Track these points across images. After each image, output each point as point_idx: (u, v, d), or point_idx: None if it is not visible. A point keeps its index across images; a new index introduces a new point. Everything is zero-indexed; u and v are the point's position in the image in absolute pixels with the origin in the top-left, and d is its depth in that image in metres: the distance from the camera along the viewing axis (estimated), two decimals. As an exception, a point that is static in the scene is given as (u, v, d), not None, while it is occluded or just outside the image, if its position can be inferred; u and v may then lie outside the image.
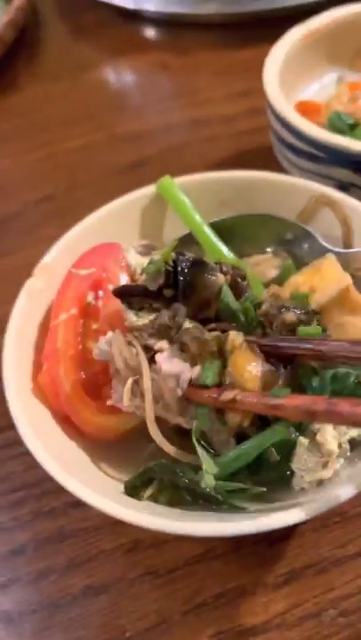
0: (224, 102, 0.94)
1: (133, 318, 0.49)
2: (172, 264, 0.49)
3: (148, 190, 0.63)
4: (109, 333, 0.47)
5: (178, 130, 0.92)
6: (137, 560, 0.54)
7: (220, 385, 0.45)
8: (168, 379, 0.43)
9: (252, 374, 0.44)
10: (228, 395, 0.44)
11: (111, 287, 0.54)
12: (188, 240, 0.59)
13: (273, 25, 0.99)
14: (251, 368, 0.45)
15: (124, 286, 0.49)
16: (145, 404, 0.43)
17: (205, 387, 0.45)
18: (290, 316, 0.47)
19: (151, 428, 0.44)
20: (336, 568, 0.52)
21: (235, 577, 0.52)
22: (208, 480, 0.42)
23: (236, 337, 0.46)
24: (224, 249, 0.58)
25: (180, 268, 0.48)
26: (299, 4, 1.00)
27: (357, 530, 0.54)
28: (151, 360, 0.46)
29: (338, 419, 0.38)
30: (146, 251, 0.61)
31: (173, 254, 0.49)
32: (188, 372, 0.43)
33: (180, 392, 0.43)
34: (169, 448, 0.45)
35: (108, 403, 0.47)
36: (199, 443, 0.43)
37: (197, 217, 0.59)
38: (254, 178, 0.61)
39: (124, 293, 0.49)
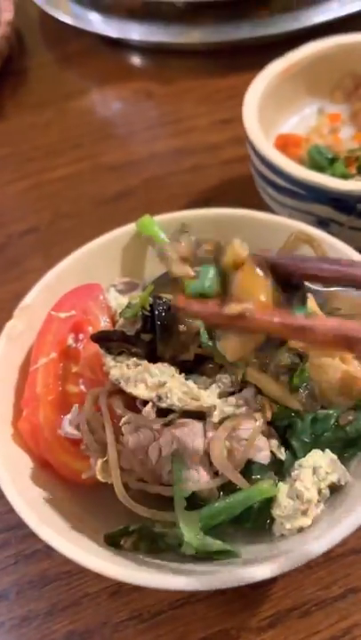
0: (208, 130, 0.95)
1: (111, 363, 0.49)
2: (149, 308, 0.49)
3: (129, 228, 0.63)
4: (73, 410, 0.47)
5: (162, 159, 0.92)
6: (121, 603, 0.53)
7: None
8: (136, 451, 0.43)
9: (264, 293, 0.35)
10: (234, 307, 0.34)
11: (91, 330, 0.54)
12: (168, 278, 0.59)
13: (255, 52, 1.01)
14: (262, 286, 0.35)
15: (101, 332, 0.49)
16: (113, 478, 0.43)
17: (203, 297, 0.36)
18: (285, 358, 0.46)
19: (120, 495, 0.44)
20: (320, 610, 0.51)
21: (219, 621, 0.52)
22: (188, 549, 0.42)
23: (239, 247, 0.36)
24: None
25: (156, 312, 0.48)
26: (280, 33, 1.02)
27: (341, 570, 0.53)
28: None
29: None
30: (127, 289, 0.61)
31: (151, 298, 0.49)
32: (156, 443, 0.43)
33: (150, 464, 0.43)
34: (143, 511, 0.44)
35: (84, 476, 0.47)
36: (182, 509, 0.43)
37: None
38: (233, 215, 0.61)
39: (102, 339, 0.49)
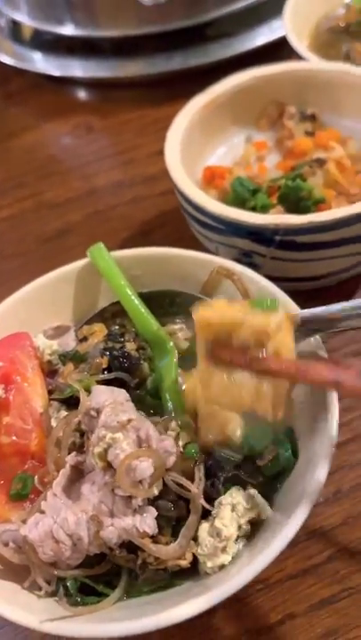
0: (146, 162, 0.97)
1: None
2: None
3: (58, 272, 0.64)
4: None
5: (102, 193, 0.94)
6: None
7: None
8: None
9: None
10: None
11: (19, 379, 0.56)
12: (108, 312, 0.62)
13: (192, 80, 1.02)
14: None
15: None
16: None
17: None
18: None
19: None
20: (260, 638, 0.53)
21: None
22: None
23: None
24: (153, 321, 0.59)
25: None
26: (212, 61, 1.04)
27: (280, 596, 0.54)
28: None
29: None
30: (57, 333, 0.62)
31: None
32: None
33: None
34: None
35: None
36: None
37: (128, 287, 0.60)
38: (159, 254, 0.63)
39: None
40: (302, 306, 0.59)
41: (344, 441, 0.62)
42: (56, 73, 1.12)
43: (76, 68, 1.12)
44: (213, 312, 0.49)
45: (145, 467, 0.43)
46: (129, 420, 0.45)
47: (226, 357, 0.47)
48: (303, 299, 0.66)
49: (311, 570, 0.55)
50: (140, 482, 0.44)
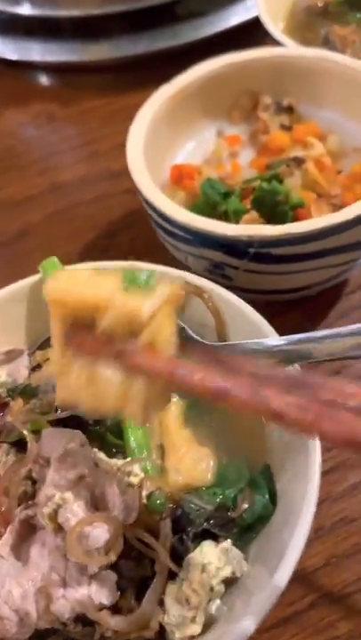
0: (112, 155, 0.89)
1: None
2: None
3: (6, 291, 0.57)
4: None
5: (65, 190, 0.87)
6: None
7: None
8: None
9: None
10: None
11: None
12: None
13: (160, 64, 0.96)
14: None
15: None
16: None
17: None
18: None
19: None
20: None
21: None
22: None
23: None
24: None
25: None
26: (182, 43, 0.97)
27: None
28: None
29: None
30: (9, 358, 0.56)
31: None
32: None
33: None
34: None
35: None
36: None
37: None
38: (119, 268, 0.56)
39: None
40: (279, 316, 0.54)
41: (326, 470, 0.56)
42: (13, 57, 1.03)
43: (35, 52, 1.03)
44: (70, 286, 0.38)
45: (99, 533, 0.38)
46: (80, 478, 0.39)
47: (87, 345, 0.37)
48: (281, 309, 0.61)
49: (293, 618, 0.51)
50: (96, 548, 0.38)
